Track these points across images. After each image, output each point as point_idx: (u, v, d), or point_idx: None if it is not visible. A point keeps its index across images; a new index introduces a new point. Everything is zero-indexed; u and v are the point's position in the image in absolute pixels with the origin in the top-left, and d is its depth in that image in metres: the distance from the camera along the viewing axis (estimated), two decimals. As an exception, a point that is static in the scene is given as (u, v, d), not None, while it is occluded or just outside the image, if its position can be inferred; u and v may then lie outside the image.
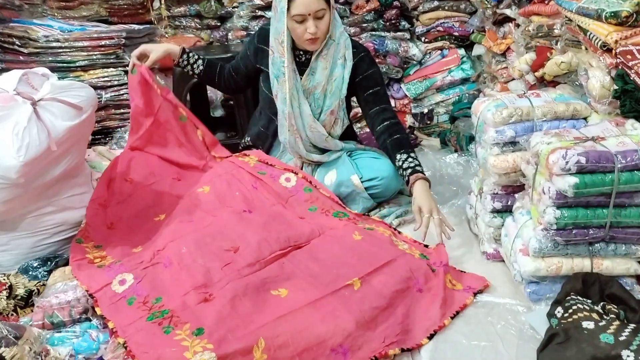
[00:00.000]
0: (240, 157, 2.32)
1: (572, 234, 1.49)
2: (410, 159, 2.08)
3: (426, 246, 1.92)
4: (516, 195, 1.78)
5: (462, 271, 1.80)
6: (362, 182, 2.17)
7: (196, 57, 2.38)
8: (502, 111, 1.76)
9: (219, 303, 1.54)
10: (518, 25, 2.45)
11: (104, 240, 2.04)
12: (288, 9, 2.05)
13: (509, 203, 1.83)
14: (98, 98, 2.28)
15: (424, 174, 2.05)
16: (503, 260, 1.83)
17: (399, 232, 2.02)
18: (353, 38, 2.29)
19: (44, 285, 1.81)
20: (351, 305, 1.54)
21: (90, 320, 1.61)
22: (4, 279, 1.75)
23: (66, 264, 1.94)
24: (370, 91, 2.24)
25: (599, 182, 1.42)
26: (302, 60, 2.23)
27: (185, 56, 2.36)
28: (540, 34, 2.13)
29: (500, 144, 1.79)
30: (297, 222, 1.97)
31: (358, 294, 1.59)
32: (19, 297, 1.71)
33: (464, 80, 3.23)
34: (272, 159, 2.32)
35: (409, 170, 2.05)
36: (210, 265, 1.71)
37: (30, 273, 1.89)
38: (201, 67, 2.39)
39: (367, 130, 2.95)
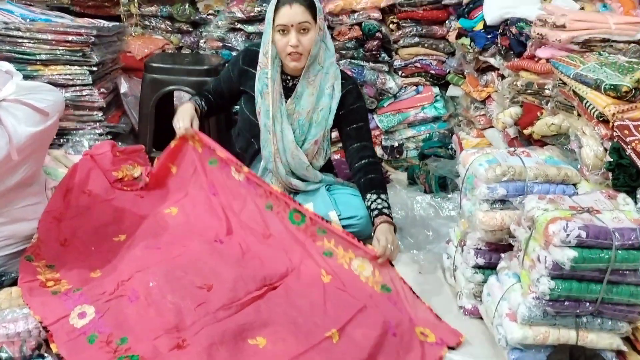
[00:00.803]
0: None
1: (564, 306, 1.48)
2: (379, 200, 2.04)
3: (392, 264, 1.88)
4: (502, 255, 1.77)
5: (437, 317, 1.77)
6: (340, 219, 2.11)
7: (203, 106, 2.24)
8: (496, 168, 1.74)
9: (194, 351, 1.43)
10: (502, 76, 2.47)
11: (56, 259, 1.86)
12: (274, 19, 1.98)
13: (492, 260, 1.82)
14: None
15: (391, 217, 2.01)
16: (481, 317, 1.81)
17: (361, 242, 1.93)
18: (340, 69, 2.24)
19: (-13, 309, 1.62)
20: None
21: (43, 358, 1.45)
22: (-57, 302, 1.54)
23: (13, 283, 1.76)
24: (354, 126, 2.20)
25: (596, 258, 1.42)
26: (288, 85, 2.15)
27: (199, 109, 2.22)
28: (529, 91, 2.14)
29: (490, 201, 1.77)
30: (270, 258, 1.89)
31: (338, 348, 1.54)
32: (-41, 325, 1.51)
33: (436, 119, 3.24)
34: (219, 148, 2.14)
35: (376, 212, 2.01)
36: (182, 305, 1.58)
37: (-30, 292, 1.69)
38: (205, 108, 2.26)
39: (336, 157, 2.91)
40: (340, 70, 2.20)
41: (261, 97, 2.12)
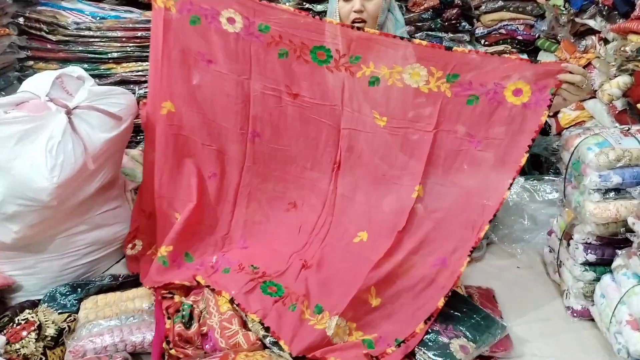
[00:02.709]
0: None
1: (701, 316, 1.27)
2: None
3: None
4: (617, 251, 1.55)
5: (528, 61, 1.50)
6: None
7: None
8: (609, 153, 1.53)
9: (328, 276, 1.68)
10: (605, 41, 2.18)
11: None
12: None
13: (604, 256, 1.61)
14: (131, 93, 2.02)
15: None
16: (592, 319, 1.62)
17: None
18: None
19: (74, 320, 1.62)
20: (423, 219, 1.64)
21: (131, 373, 1.43)
22: (32, 317, 1.54)
23: (99, 291, 1.75)
24: None
25: None
26: None
27: None
28: (640, 57, 1.87)
29: (602, 190, 1.56)
30: (313, 129, 1.78)
31: (426, 202, 1.65)
32: (49, 338, 1.52)
33: (525, 90, 2.97)
34: None
35: None
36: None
37: (58, 301, 1.70)
38: None
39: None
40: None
41: None
